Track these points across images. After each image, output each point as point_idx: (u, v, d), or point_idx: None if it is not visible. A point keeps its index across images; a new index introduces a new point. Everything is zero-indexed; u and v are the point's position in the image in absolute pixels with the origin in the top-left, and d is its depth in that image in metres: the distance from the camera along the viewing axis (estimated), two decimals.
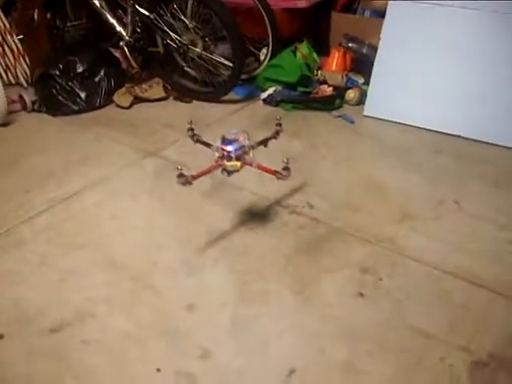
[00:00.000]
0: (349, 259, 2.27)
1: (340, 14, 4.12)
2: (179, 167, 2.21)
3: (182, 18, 3.74)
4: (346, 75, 3.77)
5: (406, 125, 3.39)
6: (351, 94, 3.67)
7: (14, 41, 4.18)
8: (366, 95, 3.57)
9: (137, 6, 3.74)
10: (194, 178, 2.27)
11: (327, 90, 3.68)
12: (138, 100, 3.86)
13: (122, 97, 3.83)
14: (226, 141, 2.32)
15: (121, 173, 2.98)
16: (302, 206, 2.62)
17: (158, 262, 2.30)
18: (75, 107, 3.78)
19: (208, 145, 2.47)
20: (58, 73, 3.82)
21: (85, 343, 1.92)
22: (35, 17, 4.15)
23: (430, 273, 2.19)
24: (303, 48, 3.89)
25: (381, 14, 3.62)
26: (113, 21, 3.94)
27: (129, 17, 3.86)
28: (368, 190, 2.76)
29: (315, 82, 3.79)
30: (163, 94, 3.89)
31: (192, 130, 2.58)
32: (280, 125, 2.58)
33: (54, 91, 3.80)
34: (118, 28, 3.92)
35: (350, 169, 2.96)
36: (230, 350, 1.88)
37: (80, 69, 3.84)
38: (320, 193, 2.73)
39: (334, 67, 3.88)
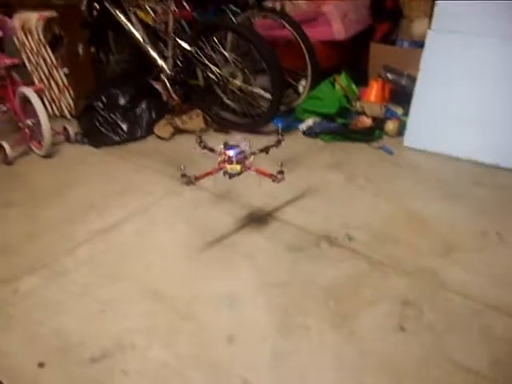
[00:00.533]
0: (389, 292, 2.24)
1: (378, 44, 4.15)
2: (182, 167, 2.42)
3: (222, 50, 3.81)
4: (385, 106, 3.78)
5: (445, 155, 3.37)
6: (390, 126, 3.66)
7: (59, 74, 4.32)
8: (405, 126, 3.57)
9: (178, 40, 3.83)
10: (197, 178, 2.51)
11: (366, 121, 3.68)
12: (178, 131, 3.92)
13: (162, 128, 3.91)
14: (227, 146, 2.56)
15: (160, 202, 3.01)
16: (341, 238, 2.60)
17: (198, 293, 2.31)
18: (117, 138, 3.87)
19: (213, 150, 2.71)
20: (100, 105, 3.93)
21: (125, 373, 1.93)
22: (80, 51, 4.28)
23: (472, 307, 2.15)
24: (342, 79, 3.91)
25: (420, 44, 3.63)
26: (154, 54, 4.04)
27: (170, 50, 3.95)
28: (408, 221, 2.73)
29: (354, 113, 3.80)
30: (203, 126, 3.94)
31: (200, 137, 2.81)
32: (282, 134, 2.75)
33: (97, 123, 3.90)
34: (160, 61, 4.01)
35: (389, 200, 2.93)
36: (270, 383, 1.86)
37: (122, 101, 3.96)
38: (359, 225, 2.71)
39: (372, 98, 3.89)
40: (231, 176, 2.57)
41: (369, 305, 2.18)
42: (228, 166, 2.54)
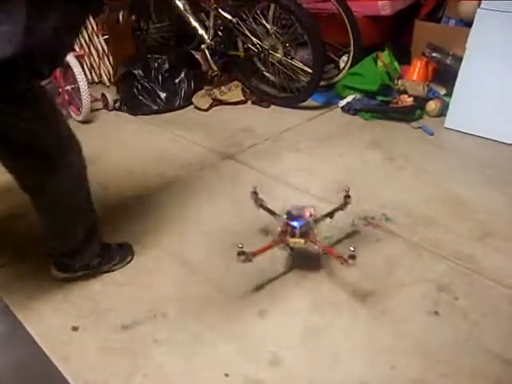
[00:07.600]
0: (425, 275, 2.21)
1: (423, 22, 4.05)
2: (240, 245, 2.08)
3: (264, 22, 3.76)
4: (428, 86, 3.70)
5: (488, 139, 3.29)
6: (432, 105, 3.59)
7: (99, 41, 4.32)
8: (447, 107, 3.49)
9: (220, 10, 3.79)
10: (254, 254, 2.16)
11: (407, 100, 3.61)
12: (216, 103, 3.91)
13: (201, 99, 3.89)
14: (291, 216, 2.20)
15: (198, 174, 3.01)
16: (378, 218, 2.57)
17: (230, 265, 2.29)
18: (155, 107, 3.87)
19: (272, 212, 2.36)
20: (139, 73, 3.92)
21: (156, 342, 1.95)
22: (120, 19, 4.28)
23: (509, 295, 2.11)
24: (384, 56, 3.83)
25: (466, 23, 3.54)
26: (195, 24, 4.01)
27: (211, 20, 3.93)
28: (447, 204, 2.68)
29: (395, 91, 3.73)
30: (242, 98, 3.92)
31: (256, 194, 2.38)
32: (349, 197, 2.38)
33: (135, 91, 3.90)
34: (200, 31, 3.99)
35: (428, 182, 2.88)
36: (300, 360, 1.86)
37: (161, 70, 3.93)
38: (396, 205, 2.67)
39: (415, 77, 3.81)
40: (292, 250, 2.28)
41: (403, 287, 2.16)
42: (290, 240, 2.19)
